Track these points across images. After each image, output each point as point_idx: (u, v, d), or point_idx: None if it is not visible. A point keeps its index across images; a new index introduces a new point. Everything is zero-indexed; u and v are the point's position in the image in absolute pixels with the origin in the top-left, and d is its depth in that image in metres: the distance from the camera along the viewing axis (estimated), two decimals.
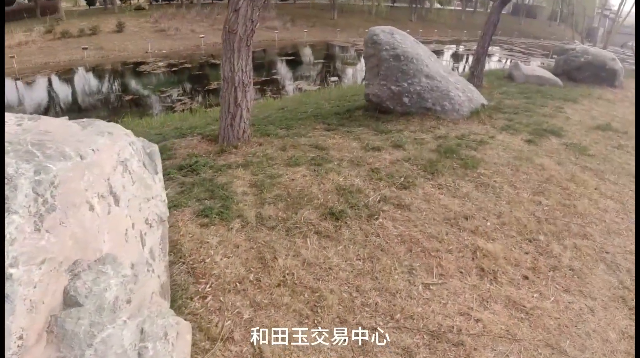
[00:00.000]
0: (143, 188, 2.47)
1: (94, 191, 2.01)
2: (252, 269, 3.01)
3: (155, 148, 2.77)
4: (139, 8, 39.56)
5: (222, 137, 5.58)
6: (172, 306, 2.65)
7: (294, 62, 25.19)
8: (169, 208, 3.81)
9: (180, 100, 14.80)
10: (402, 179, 4.40)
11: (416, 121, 6.61)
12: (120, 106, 14.92)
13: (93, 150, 2.10)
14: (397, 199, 4.00)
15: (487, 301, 2.89)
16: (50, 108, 15.66)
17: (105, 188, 2.09)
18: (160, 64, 22.50)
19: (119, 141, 2.37)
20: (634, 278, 3.34)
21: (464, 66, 25.43)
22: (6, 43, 25.51)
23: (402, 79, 7.10)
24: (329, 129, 6.33)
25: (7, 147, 1.80)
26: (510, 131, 6.40)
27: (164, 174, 4.69)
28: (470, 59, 27.51)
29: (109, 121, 2.65)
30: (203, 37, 29.07)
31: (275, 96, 15.28)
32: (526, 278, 3.18)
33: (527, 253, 3.45)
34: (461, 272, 3.13)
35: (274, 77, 20.07)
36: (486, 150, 5.46)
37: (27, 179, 1.65)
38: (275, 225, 3.52)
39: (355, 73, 22.08)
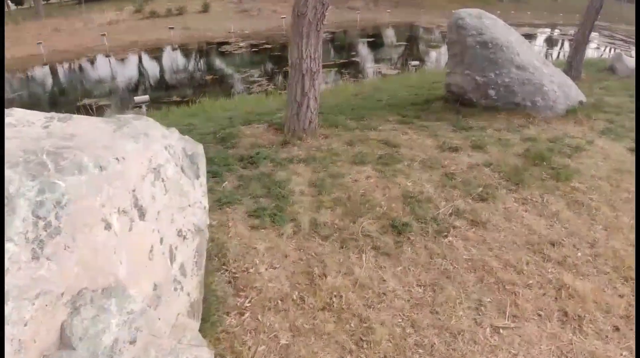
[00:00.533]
0: (178, 196, 2.23)
1: (113, 207, 1.78)
2: (297, 285, 2.71)
3: (199, 149, 2.52)
4: None
5: (287, 127, 5.32)
6: (205, 322, 2.42)
7: (375, 44, 24.37)
8: (223, 204, 3.64)
9: (257, 81, 14.83)
10: (480, 189, 3.84)
11: (502, 118, 5.88)
12: (201, 85, 15.27)
13: (117, 159, 1.86)
14: (472, 213, 3.47)
15: (567, 357, 2.35)
16: (140, 84, 16.45)
17: (128, 202, 1.86)
18: (242, 44, 22.83)
19: (153, 144, 2.13)
20: None
21: (559, 53, 23.11)
22: (98, 21, 27.41)
23: (489, 69, 6.36)
24: (403, 122, 5.82)
25: (20, 157, 1.59)
26: (611, 136, 5.45)
27: (224, 165, 4.56)
28: (566, 45, 24.95)
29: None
30: (284, 17, 29.09)
31: (353, 79, 14.83)
32: (617, 329, 2.56)
33: (621, 297, 2.80)
34: (540, 315, 2.58)
35: (353, 59, 19.54)
36: (582, 158, 4.66)
37: (27, 200, 1.43)
38: (329, 234, 3.18)
39: (439, 57, 20.91)
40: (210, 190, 3.92)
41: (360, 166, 4.22)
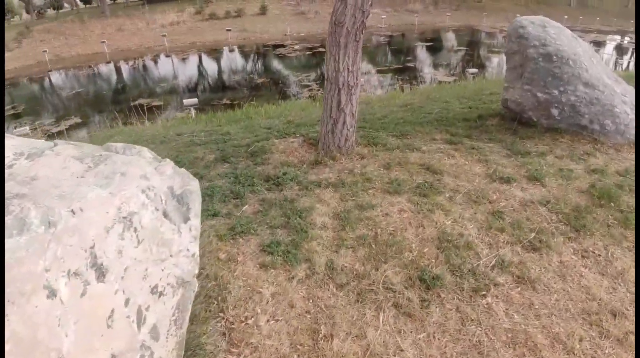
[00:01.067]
0: (156, 247, 1.91)
1: (61, 270, 1.48)
2: (298, 347, 2.32)
3: (192, 185, 2.20)
4: None
5: (321, 143, 4.95)
6: None
7: (433, 49, 23.47)
8: (236, 233, 3.31)
9: (308, 86, 14.59)
10: (533, 234, 3.26)
11: (565, 142, 5.18)
12: (252, 88, 15.24)
13: (73, 211, 1.56)
14: (520, 267, 2.92)
15: None
16: (194, 85, 16.69)
17: (83, 261, 1.56)
18: (297, 47, 22.75)
19: (127, 187, 1.82)
20: None
21: (628, 62, 21.12)
22: (160, 22, 28.38)
23: (553, 85, 5.67)
24: (451, 142, 5.28)
25: None
26: None
27: (249, 185, 4.24)
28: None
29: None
30: None
31: (406, 85, 14.23)
32: None
33: None
34: None
35: (409, 65, 18.88)
36: None
37: None
38: (346, 282, 2.77)
39: (500, 64, 19.77)
40: (227, 215, 3.64)
41: (394, 196, 3.77)
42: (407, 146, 5.07)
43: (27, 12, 38.60)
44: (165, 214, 1.98)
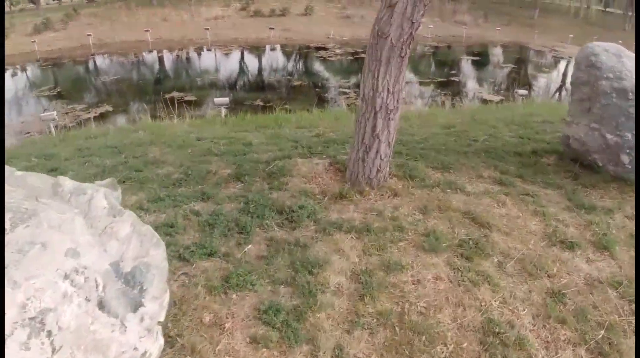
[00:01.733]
0: (82, 353, 1.31)
1: None
2: None
3: (153, 256, 1.60)
4: None
5: (349, 171, 4.30)
6: None
7: (480, 64, 22.41)
8: (231, 286, 2.70)
9: (346, 93, 13.93)
10: (602, 332, 2.51)
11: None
12: (288, 90, 14.74)
13: None
14: None
15: None
16: (230, 82, 16.35)
17: None
18: (338, 51, 22.15)
19: (42, 271, 1.23)
20: None
21: None
22: (205, 15, 28.40)
23: (626, 126, 4.82)
24: (501, 183, 4.53)
25: None
26: None
27: (257, 217, 3.59)
28: None
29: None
30: None
31: (450, 100, 13.39)
32: None
33: None
34: None
35: (453, 79, 17.95)
36: None
37: None
38: None
39: (550, 86, 18.60)
40: (225, 256, 3.04)
41: (429, 255, 3.07)
42: (449, 183, 4.35)
43: None
44: (101, 305, 1.38)
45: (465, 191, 4.20)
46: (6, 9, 37.42)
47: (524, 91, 14.11)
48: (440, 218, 3.60)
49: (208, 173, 4.56)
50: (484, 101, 13.83)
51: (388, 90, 3.90)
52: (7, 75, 20.42)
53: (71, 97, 15.08)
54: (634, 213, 4.07)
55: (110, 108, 12.68)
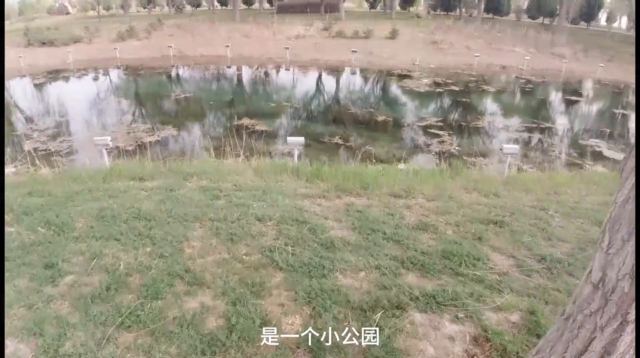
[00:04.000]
0: None
1: None
2: None
3: None
4: (416, 16, 38.55)
5: None
6: None
7: (587, 106, 19.34)
8: None
9: (438, 135, 11.87)
10: None
11: None
12: (371, 125, 12.94)
13: None
14: None
15: None
16: (312, 109, 14.91)
17: None
18: (425, 80, 20.13)
19: None
20: None
21: None
22: (286, 33, 27.51)
23: None
24: None
25: None
26: None
27: None
28: None
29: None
30: (478, 56, 25.66)
31: (559, 158, 10.88)
32: None
33: None
34: None
35: (560, 123, 15.15)
36: None
37: None
38: None
39: None
40: None
41: None
42: None
43: (168, 5, 40.57)
44: None
45: None
46: (96, 12, 39.12)
47: None
48: None
49: (263, 324, 2.80)
50: (601, 157, 11.11)
51: None
52: (89, 78, 20.44)
53: (140, 110, 14.29)
54: None
55: (174, 132, 11.54)
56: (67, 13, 50.34)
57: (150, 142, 10.66)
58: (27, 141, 10.74)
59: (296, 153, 8.28)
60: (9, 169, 8.28)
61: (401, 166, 9.37)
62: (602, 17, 58.24)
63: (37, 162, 8.29)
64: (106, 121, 12.85)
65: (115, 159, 9.32)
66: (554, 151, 11.29)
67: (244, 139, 9.45)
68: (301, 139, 8.12)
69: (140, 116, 13.54)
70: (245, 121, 12.42)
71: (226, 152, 8.81)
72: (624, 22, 64.81)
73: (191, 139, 11.10)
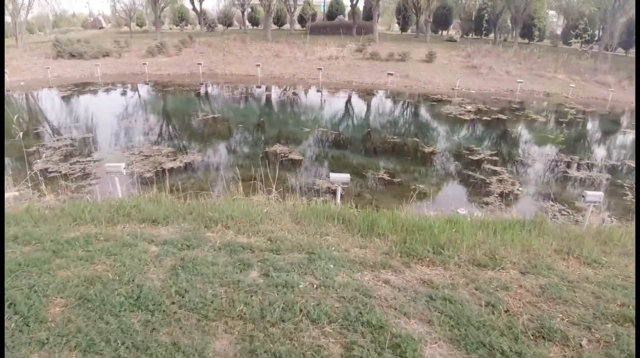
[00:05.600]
0: None
1: None
2: None
3: None
4: (450, 40, 37.26)
5: None
6: None
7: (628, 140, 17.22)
8: None
9: (495, 172, 10.35)
10: None
11: None
12: (418, 157, 11.51)
13: None
14: None
15: None
16: (355, 133, 13.60)
17: None
18: (469, 107, 18.65)
19: None
20: None
21: None
22: (319, 54, 26.49)
23: None
24: None
25: None
26: None
27: None
28: None
29: None
30: (521, 82, 24.09)
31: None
32: None
33: None
34: None
35: (613, 163, 13.08)
36: None
37: None
38: None
39: None
40: None
41: None
42: None
43: (200, 24, 40.37)
44: None
45: None
46: (128, 28, 39.13)
47: None
48: None
49: None
50: None
51: None
52: (115, 93, 19.71)
53: (163, 131, 13.24)
54: None
55: (199, 157, 10.37)
56: (101, 27, 50.94)
57: (171, 168, 9.50)
58: (38, 160, 9.73)
59: (339, 191, 6.96)
60: (9, 194, 7.20)
61: (462, 211, 7.93)
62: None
63: (43, 186, 7.23)
64: (126, 141, 11.80)
65: (130, 189, 8.18)
66: (627, 194, 9.63)
67: (277, 170, 8.20)
68: (346, 176, 6.80)
69: (163, 137, 12.46)
70: (278, 148, 11.19)
71: (256, 186, 7.56)
72: None
73: (217, 168, 9.87)
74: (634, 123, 20.07)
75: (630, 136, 17.01)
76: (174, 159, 10.09)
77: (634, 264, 5.00)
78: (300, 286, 3.44)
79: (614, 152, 14.38)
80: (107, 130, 12.96)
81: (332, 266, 3.99)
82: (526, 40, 42.28)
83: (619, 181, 10.70)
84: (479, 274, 4.24)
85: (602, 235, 6.01)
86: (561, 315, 3.51)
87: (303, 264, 3.98)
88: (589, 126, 18.63)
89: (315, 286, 3.51)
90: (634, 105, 24.61)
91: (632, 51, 42.01)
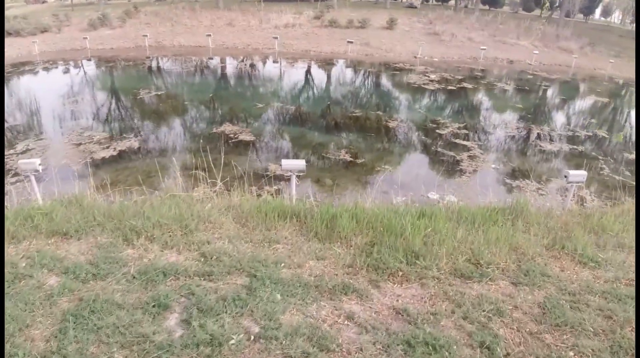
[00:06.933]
0: None
1: None
2: None
3: None
4: (410, 6, 36.23)
5: None
6: None
7: (611, 109, 17.06)
8: None
9: (465, 147, 9.60)
10: None
11: None
12: (381, 132, 10.63)
13: None
14: None
15: None
16: (306, 111, 12.45)
17: None
18: (432, 76, 17.82)
19: None
20: None
21: None
22: (274, 22, 24.93)
23: None
24: None
25: None
26: None
27: None
28: None
29: None
30: (485, 49, 23.44)
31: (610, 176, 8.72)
32: None
33: None
34: None
35: (585, 133, 12.74)
36: None
37: None
38: None
39: None
40: None
41: None
42: None
43: None
44: None
45: None
46: (70, 0, 36.01)
47: None
48: None
49: None
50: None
51: None
52: (52, 72, 17.74)
53: (99, 113, 11.75)
54: None
55: (136, 143, 9.09)
56: (44, 2, 46.82)
57: (103, 158, 8.23)
58: None
59: (294, 181, 5.99)
60: None
61: (433, 194, 7.12)
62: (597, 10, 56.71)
63: None
64: (55, 128, 10.32)
65: (50, 187, 6.90)
66: (603, 169, 9.08)
67: (223, 155, 7.14)
68: (301, 163, 5.81)
69: (99, 120, 11.01)
70: (227, 128, 10.03)
71: (199, 177, 6.47)
72: (616, 16, 63.44)
73: (156, 155, 8.63)
74: (599, 89, 19.86)
75: (607, 105, 16.67)
76: (107, 147, 8.78)
77: (631, 259, 4.36)
78: (232, 342, 2.49)
79: (584, 122, 13.88)
80: (38, 116, 11.36)
81: (278, 297, 3.06)
82: (487, 7, 41.81)
83: (592, 153, 10.18)
84: (464, 292, 3.42)
85: (590, 221, 5.35)
86: (572, 353, 2.72)
87: (240, 298, 3.01)
88: (560, 94, 18.20)
89: (252, 338, 2.56)
90: (597, 71, 24.45)
91: (592, 17, 42.41)
